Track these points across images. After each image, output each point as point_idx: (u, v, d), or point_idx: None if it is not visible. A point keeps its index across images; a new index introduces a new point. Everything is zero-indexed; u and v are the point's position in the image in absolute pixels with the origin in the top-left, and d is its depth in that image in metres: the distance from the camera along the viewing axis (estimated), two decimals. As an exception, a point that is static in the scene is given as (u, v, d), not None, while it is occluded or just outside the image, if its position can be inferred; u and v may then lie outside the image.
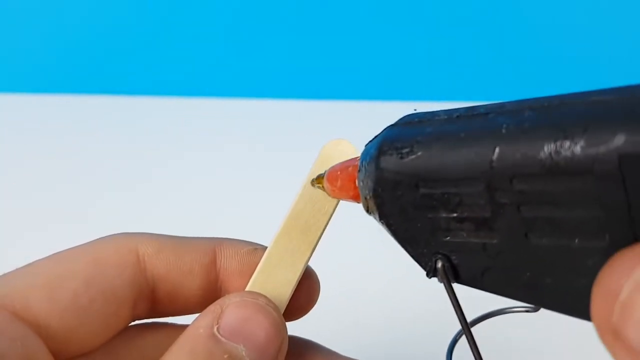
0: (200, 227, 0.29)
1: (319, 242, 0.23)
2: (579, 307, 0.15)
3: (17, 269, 0.22)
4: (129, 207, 0.54)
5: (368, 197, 0.19)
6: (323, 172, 0.22)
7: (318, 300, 0.24)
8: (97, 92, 0.72)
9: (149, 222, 0.49)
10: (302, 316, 0.24)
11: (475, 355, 0.18)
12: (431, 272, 0.18)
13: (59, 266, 0.22)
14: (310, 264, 0.23)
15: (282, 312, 0.22)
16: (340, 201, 0.23)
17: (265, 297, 0.21)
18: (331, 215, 0.23)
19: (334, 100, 0.70)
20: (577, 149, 0.14)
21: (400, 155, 0.17)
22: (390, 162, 0.17)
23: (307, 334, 0.25)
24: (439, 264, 0.18)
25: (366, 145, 0.19)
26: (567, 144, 0.14)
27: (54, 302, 0.21)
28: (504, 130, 0.15)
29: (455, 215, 0.17)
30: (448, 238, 0.18)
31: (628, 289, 0.13)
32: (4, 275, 0.21)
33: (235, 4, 0.70)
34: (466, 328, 0.19)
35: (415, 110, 0.19)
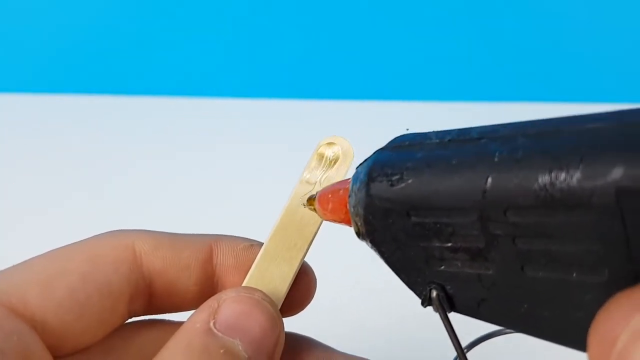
0: (198, 225, 0.29)
1: (315, 238, 0.23)
2: (576, 340, 0.15)
3: (13, 266, 0.22)
4: (127, 205, 0.54)
5: (359, 224, 0.18)
6: (315, 193, 0.22)
7: (315, 296, 0.24)
8: (97, 92, 0.72)
9: (146, 219, 0.49)
10: (299, 312, 0.24)
11: None
12: (426, 302, 0.18)
13: (56, 262, 0.22)
14: (307, 259, 0.23)
15: (279, 308, 0.22)
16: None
17: (261, 292, 0.21)
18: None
19: (334, 100, 0.70)
20: (574, 181, 0.13)
21: (390, 182, 0.17)
22: (380, 189, 0.17)
23: (304, 330, 0.25)
24: (434, 294, 0.18)
25: (357, 168, 0.19)
26: (562, 175, 0.13)
27: (50, 298, 0.21)
28: (496, 159, 0.15)
29: (448, 245, 0.16)
30: (442, 267, 0.17)
31: (624, 338, 0.13)
32: (1, 271, 0.21)
33: (235, 4, 0.70)
34: (462, 356, 0.18)
35: (407, 130, 0.18)
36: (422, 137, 0.17)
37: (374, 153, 0.18)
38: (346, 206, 0.19)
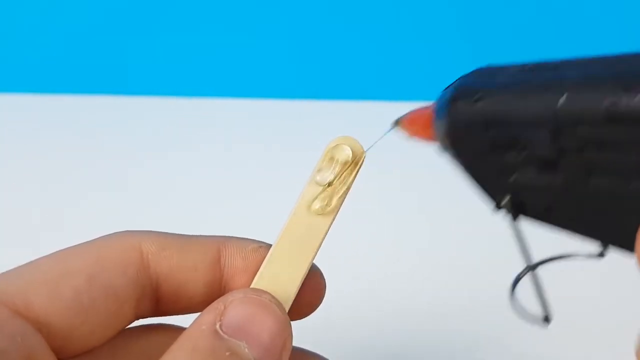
0: (204, 226, 0.29)
1: (324, 240, 0.23)
2: (632, 244, 0.17)
3: (18, 267, 0.22)
4: (132, 206, 0.54)
5: (443, 138, 0.20)
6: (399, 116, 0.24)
7: (324, 299, 0.24)
8: (97, 92, 0.72)
9: (152, 220, 0.49)
10: (307, 315, 0.24)
11: (538, 290, 0.20)
12: (498, 206, 0.20)
13: (61, 264, 0.21)
14: (316, 262, 0.23)
15: (287, 310, 0.22)
16: (346, 196, 0.23)
17: (269, 294, 0.21)
18: (336, 213, 0.23)
19: (334, 100, 0.70)
20: (637, 99, 0.15)
21: (472, 101, 0.19)
22: (463, 107, 0.19)
23: (313, 334, 0.24)
24: (506, 199, 0.20)
25: (442, 91, 0.21)
26: (629, 95, 0.15)
27: (56, 299, 0.20)
28: (570, 81, 0.17)
29: (522, 157, 0.19)
30: (515, 177, 0.19)
31: None
32: (5, 272, 0.21)
33: (235, 4, 0.70)
34: (529, 262, 0.20)
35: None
36: (503, 66, 0.20)
37: (458, 78, 0.20)
38: (431, 124, 0.21)
